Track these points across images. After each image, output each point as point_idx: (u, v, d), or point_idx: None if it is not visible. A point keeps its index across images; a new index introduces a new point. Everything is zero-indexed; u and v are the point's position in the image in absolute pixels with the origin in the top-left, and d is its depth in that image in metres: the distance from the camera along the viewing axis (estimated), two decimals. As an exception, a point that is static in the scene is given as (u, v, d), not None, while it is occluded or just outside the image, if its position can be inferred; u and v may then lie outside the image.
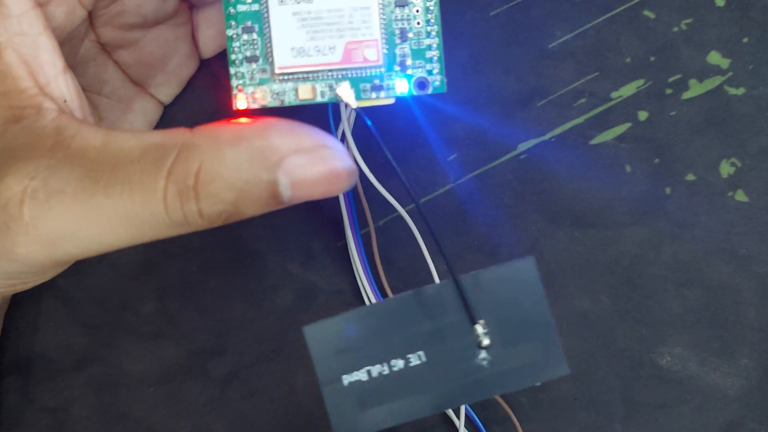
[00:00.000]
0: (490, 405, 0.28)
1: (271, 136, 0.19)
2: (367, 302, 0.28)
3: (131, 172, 0.19)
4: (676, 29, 0.29)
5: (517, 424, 0.28)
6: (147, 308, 0.29)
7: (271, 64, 0.22)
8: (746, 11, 0.29)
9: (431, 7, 0.23)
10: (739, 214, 0.29)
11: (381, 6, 0.23)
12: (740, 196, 0.29)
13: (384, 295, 0.28)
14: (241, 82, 0.22)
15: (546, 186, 0.29)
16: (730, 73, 0.29)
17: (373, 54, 0.23)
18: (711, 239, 0.29)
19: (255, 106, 0.22)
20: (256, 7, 0.22)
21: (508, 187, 0.29)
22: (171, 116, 0.29)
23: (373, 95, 0.23)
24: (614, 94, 0.29)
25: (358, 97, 0.23)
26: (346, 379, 0.21)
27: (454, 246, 0.29)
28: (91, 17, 0.25)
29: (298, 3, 0.22)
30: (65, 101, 0.21)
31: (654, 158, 0.29)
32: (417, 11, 0.23)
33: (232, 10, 0.22)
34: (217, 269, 0.29)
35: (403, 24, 0.23)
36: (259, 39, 0.22)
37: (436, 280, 0.28)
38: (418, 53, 0.23)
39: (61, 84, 0.21)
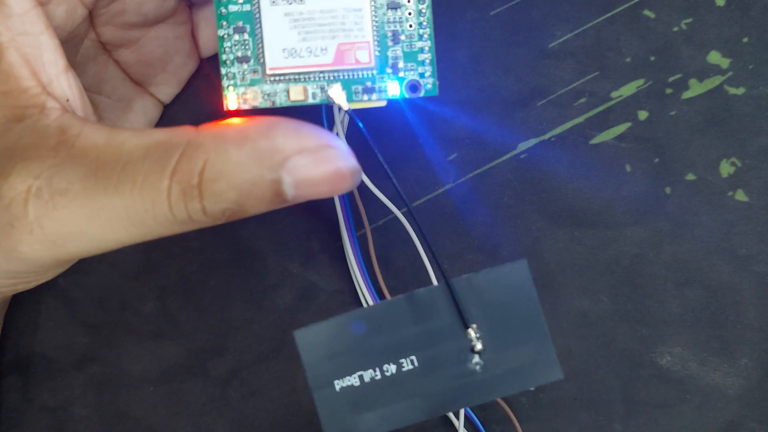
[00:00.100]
0: (490, 405, 0.28)
1: (276, 135, 0.19)
2: (363, 303, 0.28)
3: (136, 170, 0.19)
4: (676, 29, 0.29)
5: (517, 424, 0.28)
6: (147, 308, 0.29)
7: (263, 64, 0.22)
8: (746, 11, 0.29)
9: (424, 10, 0.23)
10: (739, 214, 0.29)
11: (373, 8, 0.22)
12: (740, 195, 0.29)
13: (381, 295, 0.28)
14: (232, 82, 0.22)
15: (546, 186, 0.29)
16: (730, 73, 0.29)
17: (365, 56, 0.22)
18: (711, 239, 0.29)
19: (246, 107, 0.22)
20: (247, 7, 0.22)
21: (508, 187, 0.29)
22: (171, 116, 0.29)
23: (365, 97, 0.23)
24: (614, 94, 0.29)
25: (349, 99, 0.22)
26: (338, 384, 0.20)
27: (454, 246, 0.29)
28: (91, 16, 0.25)
29: (290, 4, 0.22)
30: (68, 100, 0.21)
31: (654, 158, 0.29)
32: (409, 14, 0.23)
33: (223, 10, 0.22)
34: (217, 269, 0.29)
35: (395, 26, 0.23)
36: (250, 39, 0.22)
37: (434, 281, 0.28)
38: (410, 56, 0.23)
39: (63, 83, 0.21)
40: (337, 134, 0.25)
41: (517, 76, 0.29)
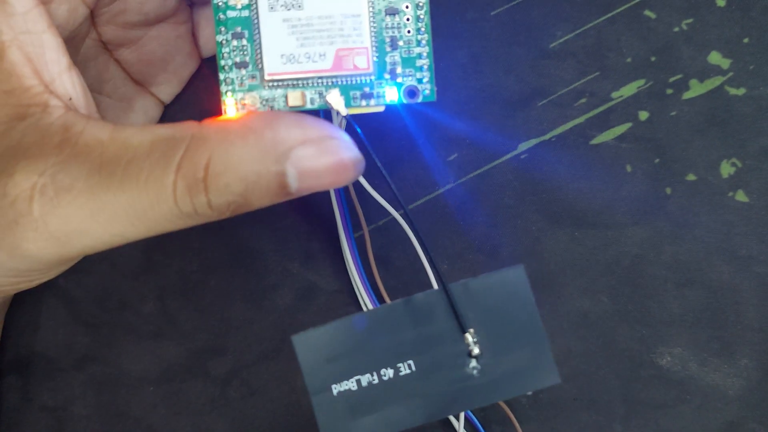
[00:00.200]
0: (490, 405, 0.28)
1: (279, 127, 0.19)
2: (362, 303, 0.28)
3: (140, 166, 0.19)
4: (676, 29, 0.29)
5: (517, 424, 0.28)
6: (147, 308, 0.29)
7: (261, 70, 0.22)
8: (747, 11, 0.29)
9: (422, 16, 0.23)
10: (740, 215, 0.29)
11: (371, 14, 0.22)
12: (740, 196, 0.29)
13: (379, 296, 0.28)
14: (230, 87, 0.22)
15: (546, 186, 0.29)
16: (730, 74, 0.29)
17: (363, 62, 0.22)
18: (711, 239, 0.29)
19: (244, 112, 0.22)
20: (246, 13, 0.22)
21: (509, 188, 0.29)
22: (171, 116, 0.29)
23: (363, 103, 0.23)
24: (615, 94, 0.29)
25: (347, 105, 0.22)
26: (336, 388, 0.20)
27: (455, 246, 0.29)
28: (92, 15, 0.25)
29: (289, 10, 0.22)
30: (70, 98, 0.21)
31: (654, 158, 0.29)
32: (407, 19, 0.23)
33: (222, 15, 0.22)
34: (217, 269, 0.29)
35: (393, 32, 0.23)
36: (248, 45, 0.22)
37: (434, 282, 0.28)
38: (408, 61, 0.23)
39: (66, 81, 0.21)
40: None
41: (517, 76, 0.29)
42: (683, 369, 0.29)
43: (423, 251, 0.27)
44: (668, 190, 0.29)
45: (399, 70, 0.23)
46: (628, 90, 0.29)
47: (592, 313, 0.29)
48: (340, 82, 0.22)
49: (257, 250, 0.29)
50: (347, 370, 0.20)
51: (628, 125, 0.29)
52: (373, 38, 0.22)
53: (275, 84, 0.22)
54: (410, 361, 0.21)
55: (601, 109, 0.29)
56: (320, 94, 0.22)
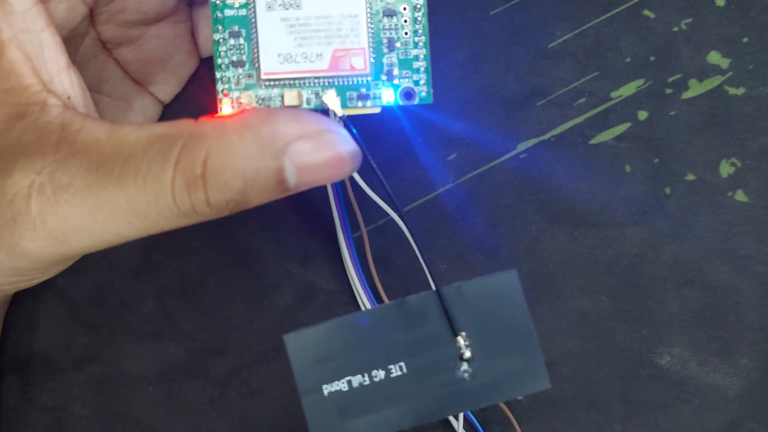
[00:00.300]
0: (490, 405, 0.28)
1: (277, 122, 0.19)
2: (360, 304, 0.28)
3: (138, 163, 0.19)
4: (676, 29, 0.29)
5: (516, 425, 0.28)
6: (147, 307, 0.29)
7: (258, 69, 0.22)
8: (746, 11, 0.29)
9: (419, 18, 0.23)
10: (739, 214, 0.29)
11: (369, 15, 0.22)
12: (740, 196, 0.29)
13: (378, 297, 0.28)
14: (226, 86, 0.22)
15: (546, 186, 0.29)
16: (730, 73, 0.29)
17: (360, 62, 0.22)
18: (711, 239, 0.29)
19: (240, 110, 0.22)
20: (243, 11, 0.22)
21: (508, 187, 0.29)
22: (170, 116, 0.29)
23: (359, 104, 0.23)
24: (614, 94, 0.29)
25: (344, 105, 0.22)
26: (327, 389, 0.20)
27: (454, 246, 0.29)
28: (92, 15, 0.25)
29: (287, 9, 0.22)
30: (69, 97, 0.21)
31: (654, 158, 0.29)
32: (405, 21, 0.23)
33: (219, 14, 0.22)
34: (216, 269, 0.29)
35: (390, 33, 0.23)
36: (245, 44, 0.22)
37: (432, 282, 0.28)
38: (405, 63, 0.23)
39: (65, 80, 0.21)
40: None
41: (516, 76, 0.29)
42: (683, 369, 0.28)
43: (418, 253, 0.27)
44: (667, 190, 0.29)
45: (396, 71, 0.23)
46: (628, 90, 0.29)
47: (592, 313, 0.29)
48: (336, 83, 0.22)
49: (257, 250, 0.29)
50: (338, 371, 0.20)
51: (628, 125, 0.29)
52: (371, 39, 0.22)
53: (272, 83, 0.22)
54: (402, 363, 0.21)
55: (600, 108, 0.29)
56: (317, 95, 0.22)
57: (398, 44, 0.23)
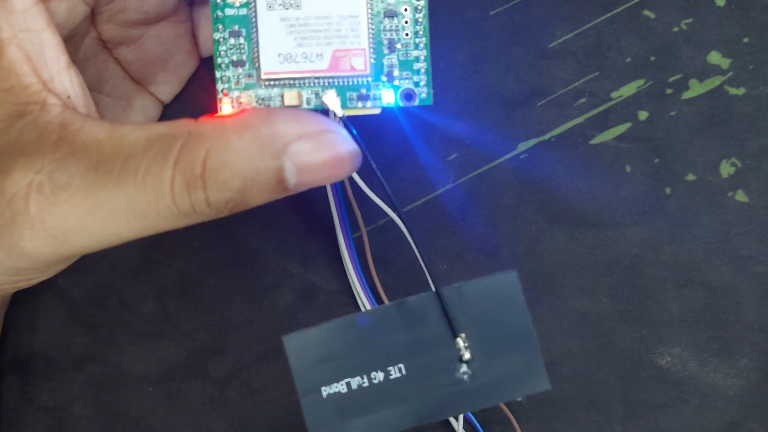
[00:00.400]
0: (489, 406, 0.28)
1: (276, 122, 0.19)
2: (360, 304, 0.28)
3: (137, 163, 0.19)
4: (676, 29, 0.29)
5: (516, 425, 0.28)
6: (147, 308, 0.29)
7: (258, 69, 0.22)
8: (747, 11, 0.29)
9: (420, 19, 0.23)
10: (739, 214, 0.29)
11: (370, 15, 0.22)
12: (740, 196, 0.29)
13: (377, 297, 0.28)
14: (226, 86, 0.22)
15: (546, 186, 0.29)
16: (730, 73, 0.29)
17: (361, 63, 0.22)
18: (711, 239, 0.29)
19: (240, 110, 0.22)
20: (244, 11, 0.22)
21: (508, 188, 0.29)
22: (170, 116, 0.29)
23: (359, 105, 0.23)
24: (614, 94, 0.29)
25: (344, 106, 0.22)
26: (325, 390, 0.20)
27: (454, 246, 0.29)
28: (92, 14, 0.25)
29: (287, 9, 0.22)
30: (69, 97, 0.21)
31: (654, 158, 0.29)
32: (406, 22, 0.23)
33: (219, 13, 0.22)
34: (216, 269, 0.29)
35: (391, 34, 0.23)
36: (246, 43, 0.22)
37: (431, 283, 0.28)
38: (405, 64, 0.23)
39: (65, 80, 0.21)
40: None
41: (517, 76, 0.29)
42: (683, 369, 0.28)
43: (417, 254, 0.27)
44: (668, 190, 0.29)
45: (396, 72, 0.23)
46: (628, 90, 0.29)
47: (592, 313, 0.29)
48: (336, 83, 0.22)
49: (257, 250, 0.29)
50: (337, 372, 0.20)
51: (628, 125, 0.29)
52: (371, 40, 0.22)
53: (272, 83, 0.22)
54: (401, 365, 0.21)
55: (600, 109, 0.29)
56: (317, 95, 0.22)
57: (399, 45, 0.23)
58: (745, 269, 0.29)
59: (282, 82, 0.22)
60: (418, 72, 0.23)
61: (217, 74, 0.22)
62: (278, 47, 0.22)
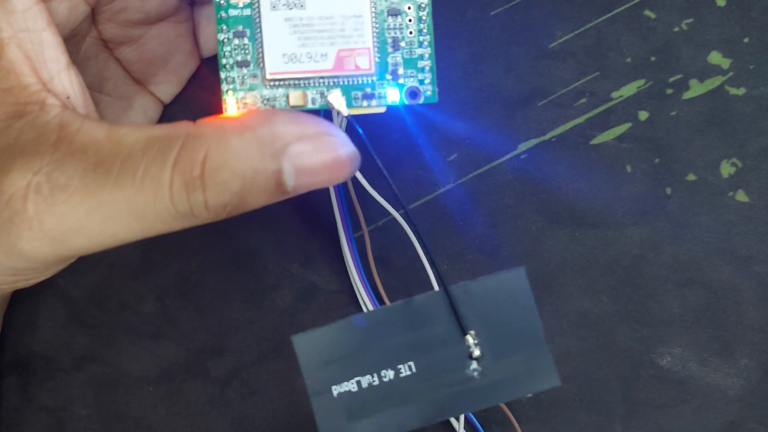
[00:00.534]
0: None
1: (276, 123, 0.19)
2: (361, 304, 0.28)
3: (136, 164, 0.19)
4: (676, 29, 0.29)
5: (516, 425, 0.28)
6: (146, 308, 0.29)
7: (262, 69, 0.22)
8: (747, 11, 0.29)
9: (424, 17, 0.23)
10: (740, 214, 0.29)
11: (374, 14, 0.22)
12: (741, 196, 0.29)
13: (379, 297, 0.28)
14: (231, 86, 0.22)
15: (546, 186, 0.29)
16: (730, 73, 0.29)
17: (365, 62, 0.22)
18: (711, 239, 0.29)
19: (244, 111, 0.22)
20: (248, 12, 0.22)
21: (509, 188, 0.29)
22: (171, 117, 0.29)
23: (365, 103, 0.23)
24: (615, 94, 0.29)
25: (349, 105, 0.22)
26: (336, 390, 0.20)
27: (455, 246, 0.29)
28: (93, 14, 0.25)
29: (291, 9, 0.22)
30: (68, 97, 0.21)
31: (654, 158, 0.29)
32: (410, 20, 0.23)
33: (223, 14, 0.22)
34: (216, 269, 0.29)
35: (395, 33, 0.23)
36: (250, 44, 0.22)
37: (434, 282, 0.28)
38: (410, 62, 0.23)
39: (64, 80, 0.21)
40: None
41: (517, 76, 0.29)
42: (683, 369, 0.28)
43: (423, 252, 0.27)
44: (668, 190, 0.29)
45: (401, 70, 0.23)
46: (628, 90, 0.29)
47: (592, 313, 0.29)
48: (341, 83, 0.22)
49: (257, 251, 0.29)
50: (347, 372, 0.20)
51: (628, 125, 0.29)
52: (375, 39, 0.22)
53: (277, 83, 0.22)
54: (411, 363, 0.20)
55: (600, 109, 0.29)
56: (322, 94, 0.22)
57: (403, 43, 0.23)
58: (745, 269, 0.29)
59: (287, 83, 0.22)
60: (422, 70, 0.23)
61: (222, 75, 0.22)
62: (282, 47, 0.22)
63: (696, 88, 0.29)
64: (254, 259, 0.29)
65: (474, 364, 0.21)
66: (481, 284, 0.21)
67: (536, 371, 0.21)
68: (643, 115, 0.29)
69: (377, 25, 0.22)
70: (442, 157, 0.29)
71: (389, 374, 0.20)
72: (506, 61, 0.29)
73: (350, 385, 0.20)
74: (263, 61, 0.22)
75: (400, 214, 0.27)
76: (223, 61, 0.22)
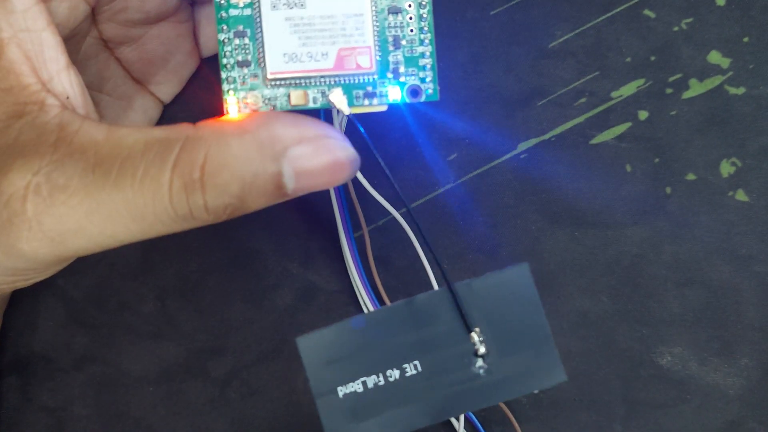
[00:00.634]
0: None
1: (275, 126, 0.19)
2: (362, 304, 0.28)
3: (135, 165, 0.19)
4: (676, 29, 0.29)
5: (516, 425, 0.28)
6: (146, 308, 0.29)
7: (263, 69, 0.22)
8: (747, 10, 0.29)
9: (425, 15, 0.23)
10: (740, 214, 0.29)
11: (374, 13, 0.22)
12: (740, 195, 0.29)
13: (379, 297, 0.28)
14: (232, 86, 0.22)
15: (546, 186, 0.29)
16: (730, 73, 0.29)
17: (366, 61, 0.22)
18: (711, 239, 0.29)
19: (246, 111, 0.22)
20: (248, 11, 0.22)
21: (508, 187, 0.29)
22: (171, 117, 0.29)
23: (366, 102, 0.22)
24: (614, 94, 0.29)
25: (350, 104, 0.22)
26: (341, 390, 0.20)
27: (454, 246, 0.29)
28: (93, 13, 0.25)
29: (291, 8, 0.22)
30: (68, 97, 0.21)
31: (654, 158, 0.29)
32: (410, 18, 0.23)
33: (224, 14, 0.22)
34: (216, 269, 0.29)
35: (396, 31, 0.23)
36: (251, 44, 0.22)
37: (434, 282, 0.28)
38: (411, 61, 0.23)
39: (64, 80, 0.21)
40: None
41: (517, 76, 0.29)
42: (683, 369, 0.28)
43: (426, 250, 0.27)
44: (668, 190, 0.29)
45: (402, 69, 0.23)
46: (628, 89, 0.29)
47: (592, 313, 0.29)
48: (342, 82, 0.22)
49: (257, 251, 0.29)
50: (352, 372, 0.20)
51: (628, 125, 0.29)
52: (376, 37, 0.22)
53: (277, 83, 0.22)
54: (416, 362, 0.20)
55: (600, 108, 0.29)
56: (323, 93, 0.22)
57: (404, 42, 0.23)
58: (745, 269, 0.29)
59: (288, 82, 0.22)
60: (423, 68, 0.23)
61: (223, 75, 0.22)
62: (283, 47, 0.22)
63: (696, 88, 0.29)
64: (254, 259, 0.29)
65: (480, 362, 0.21)
66: (484, 281, 0.21)
67: (542, 367, 0.21)
68: (643, 115, 0.29)
69: (378, 24, 0.22)
70: (442, 157, 0.29)
71: (395, 374, 0.20)
72: (506, 61, 0.29)
73: (356, 386, 0.20)
74: (264, 61, 0.22)
75: (401, 214, 0.27)
76: (224, 61, 0.22)
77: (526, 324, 0.21)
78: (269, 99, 0.22)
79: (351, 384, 0.20)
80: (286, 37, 0.22)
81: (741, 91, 0.29)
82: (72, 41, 0.24)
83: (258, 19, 0.22)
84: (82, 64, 0.25)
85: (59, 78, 0.21)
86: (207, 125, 0.19)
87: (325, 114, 0.25)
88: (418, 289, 0.21)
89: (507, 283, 0.21)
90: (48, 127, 0.20)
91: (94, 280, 0.29)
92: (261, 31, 0.22)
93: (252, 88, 0.22)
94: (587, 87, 0.29)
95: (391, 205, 0.27)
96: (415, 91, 0.23)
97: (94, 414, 0.29)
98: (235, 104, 0.22)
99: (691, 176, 0.29)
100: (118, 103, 0.26)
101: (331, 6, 0.22)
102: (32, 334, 0.29)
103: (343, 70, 0.22)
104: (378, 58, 0.22)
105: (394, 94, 0.23)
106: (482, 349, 0.20)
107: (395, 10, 0.22)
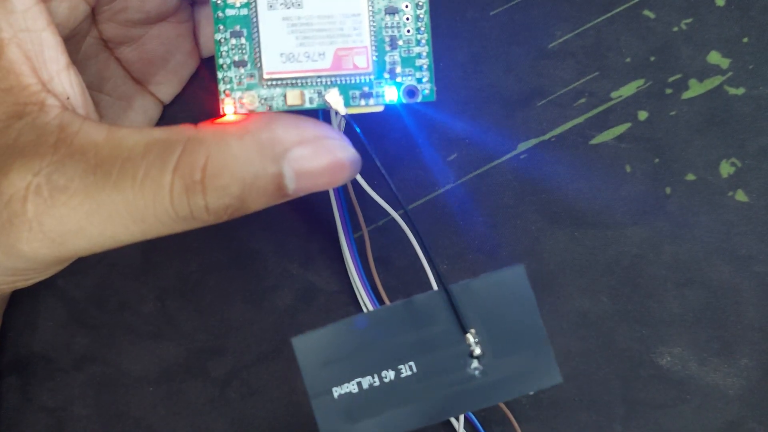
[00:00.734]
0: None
1: (276, 128, 0.19)
2: (361, 304, 0.28)
3: (136, 166, 0.19)
4: (676, 29, 0.29)
5: (516, 425, 0.28)
6: (146, 308, 0.29)
7: (260, 69, 0.22)
8: (746, 11, 0.29)
9: (421, 15, 0.23)
10: (739, 214, 0.29)
11: (371, 13, 0.22)
12: (740, 196, 0.29)
13: (379, 297, 0.28)
14: (228, 86, 0.22)
15: (546, 186, 0.29)
16: (730, 73, 0.29)
17: (363, 61, 0.22)
18: (711, 239, 0.29)
19: (242, 111, 0.22)
20: (245, 11, 0.22)
21: (508, 188, 0.29)
22: (171, 117, 0.29)
23: (362, 102, 0.22)
24: (614, 94, 0.29)
25: (347, 104, 0.22)
26: (336, 391, 0.20)
27: (454, 246, 0.29)
28: (94, 13, 0.25)
29: (288, 8, 0.22)
30: (68, 98, 0.21)
31: (654, 158, 0.29)
32: (407, 19, 0.23)
33: (220, 14, 0.22)
34: (216, 269, 0.29)
35: (393, 31, 0.23)
36: (247, 44, 0.22)
37: (433, 282, 0.28)
38: (407, 61, 0.23)
39: (64, 80, 0.21)
40: None
41: (517, 76, 0.29)
42: (683, 369, 0.28)
43: (423, 251, 0.27)
44: (668, 190, 0.29)
45: (398, 69, 0.23)
46: (628, 90, 0.29)
47: (592, 313, 0.29)
48: (339, 82, 0.22)
49: (257, 251, 0.29)
50: (348, 373, 0.20)
51: (628, 125, 0.29)
52: (373, 38, 0.22)
53: (274, 83, 0.22)
54: (411, 363, 0.20)
55: (600, 109, 0.29)
56: (319, 94, 0.22)
57: (400, 42, 0.23)
58: (745, 269, 0.29)
59: (284, 82, 0.22)
60: (420, 68, 0.23)
61: (219, 75, 0.22)
62: (280, 47, 0.22)
63: (695, 88, 0.29)
64: (254, 259, 0.29)
65: (475, 363, 0.21)
66: (480, 282, 0.21)
67: (538, 368, 0.21)
68: (643, 115, 0.29)
69: (375, 24, 0.22)
70: (442, 157, 0.29)
71: (390, 375, 0.20)
72: (506, 61, 0.29)
73: (351, 387, 0.20)
74: (260, 61, 0.22)
75: (400, 215, 0.27)
76: (220, 60, 0.22)
77: (522, 325, 0.21)
78: (266, 99, 0.22)
79: (346, 384, 0.20)
80: (283, 37, 0.22)
81: (741, 91, 0.29)
82: (72, 41, 0.24)
83: (255, 19, 0.22)
84: (82, 64, 0.25)
85: (59, 78, 0.21)
86: (208, 127, 0.19)
87: (322, 114, 0.25)
88: (418, 290, 0.21)
89: (503, 284, 0.21)
90: (48, 127, 0.20)
91: (94, 280, 0.29)
92: (257, 31, 0.22)
93: (248, 88, 0.22)
94: (587, 87, 0.29)
95: (390, 205, 0.27)
96: (411, 92, 0.23)
97: (94, 414, 0.29)
98: (231, 104, 0.22)
99: (690, 176, 0.29)
100: (118, 103, 0.26)
101: (328, 6, 0.22)
102: (32, 334, 0.29)
103: (340, 71, 0.22)
104: (375, 58, 0.22)
105: (391, 94, 0.23)
106: (477, 351, 0.20)
107: (392, 11, 0.22)
